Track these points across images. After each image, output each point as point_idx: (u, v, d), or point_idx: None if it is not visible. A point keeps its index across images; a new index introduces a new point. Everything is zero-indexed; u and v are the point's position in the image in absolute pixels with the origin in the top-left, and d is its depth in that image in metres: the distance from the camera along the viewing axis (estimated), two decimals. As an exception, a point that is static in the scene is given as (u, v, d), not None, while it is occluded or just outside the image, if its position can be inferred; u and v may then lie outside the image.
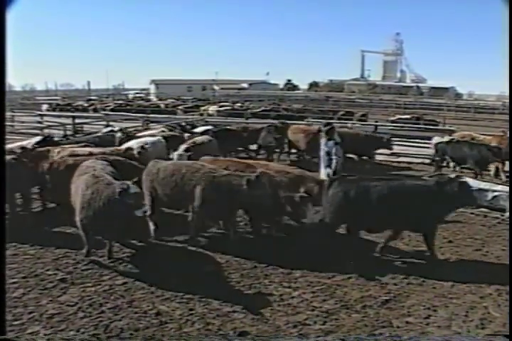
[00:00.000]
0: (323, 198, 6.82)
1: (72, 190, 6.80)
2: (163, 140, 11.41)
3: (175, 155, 10.09)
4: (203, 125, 15.88)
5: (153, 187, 7.35)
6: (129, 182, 5.98)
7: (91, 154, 8.79)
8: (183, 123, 15.49)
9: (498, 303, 5.44)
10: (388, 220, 6.58)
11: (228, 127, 14.79)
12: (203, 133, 13.01)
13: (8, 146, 9.90)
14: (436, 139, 13.06)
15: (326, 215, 6.73)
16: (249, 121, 18.21)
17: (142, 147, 10.05)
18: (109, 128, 13.83)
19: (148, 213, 7.02)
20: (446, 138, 13.01)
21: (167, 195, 7.23)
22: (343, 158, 10.04)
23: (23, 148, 9.16)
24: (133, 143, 10.46)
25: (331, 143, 9.46)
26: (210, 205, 6.74)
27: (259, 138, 13.85)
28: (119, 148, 10.06)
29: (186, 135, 12.86)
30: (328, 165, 9.44)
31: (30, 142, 10.64)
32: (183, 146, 10.36)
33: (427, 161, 14.10)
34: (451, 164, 13.11)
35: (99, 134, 12.44)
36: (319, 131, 13.65)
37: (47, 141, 10.63)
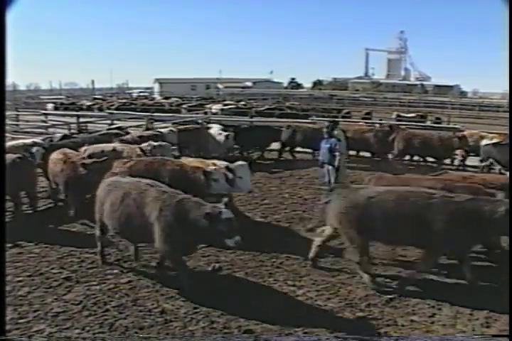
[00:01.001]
0: None
1: (115, 207, 5.78)
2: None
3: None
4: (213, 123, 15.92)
5: (367, 224, 5.66)
6: (221, 206, 5.25)
7: (115, 150, 9.03)
8: (200, 121, 15.57)
9: (503, 302, 5.40)
10: None
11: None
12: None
13: (10, 143, 9.93)
14: (485, 141, 12.44)
15: None
16: (253, 119, 18.19)
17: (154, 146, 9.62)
18: (115, 126, 13.87)
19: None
20: (494, 140, 12.33)
21: (392, 234, 5.70)
22: (344, 154, 10.10)
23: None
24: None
25: (333, 140, 9.49)
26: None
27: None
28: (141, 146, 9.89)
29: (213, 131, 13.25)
30: (330, 162, 9.49)
31: (33, 140, 10.64)
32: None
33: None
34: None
35: (94, 134, 12.40)
36: (391, 127, 13.71)
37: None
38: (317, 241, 6.34)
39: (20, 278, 5.94)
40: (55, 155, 8.58)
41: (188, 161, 8.44)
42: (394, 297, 5.57)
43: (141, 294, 5.59)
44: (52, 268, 6.29)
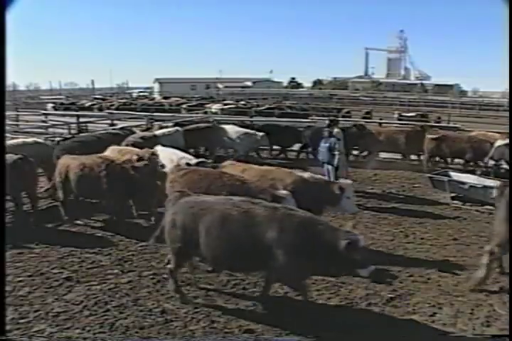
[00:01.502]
0: None
1: (213, 234, 4.89)
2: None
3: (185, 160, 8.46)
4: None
5: None
6: (353, 231, 4.71)
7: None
8: (211, 119, 15.63)
9: (503, 301, 5.41)
10: None
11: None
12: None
13: (9, 142, 9.93)
14: (498, 142, 11.60)
15: None
16: (253, 119, 18.17)
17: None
18: (119, 126, 13.88)
19: None
20: (507, 141, 11.43)
21: None
22: (343, 154, 10.13)
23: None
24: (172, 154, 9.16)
25: (333, 139, 9.52)
26: None
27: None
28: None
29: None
30: (329, 162, 9.51)
31: (34, 140, 10.64)
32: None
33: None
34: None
35: (95, 134, 12.36)
36: (422, 128, 13.63)
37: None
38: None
39: (21, 278, 5.95)
40: (87, 159, 7.98)
41: (258, 170, 7.60)
42: (394, 296, 5.58)
43: (142, 294, 5.60)
44: (52, 268, 6.30)
